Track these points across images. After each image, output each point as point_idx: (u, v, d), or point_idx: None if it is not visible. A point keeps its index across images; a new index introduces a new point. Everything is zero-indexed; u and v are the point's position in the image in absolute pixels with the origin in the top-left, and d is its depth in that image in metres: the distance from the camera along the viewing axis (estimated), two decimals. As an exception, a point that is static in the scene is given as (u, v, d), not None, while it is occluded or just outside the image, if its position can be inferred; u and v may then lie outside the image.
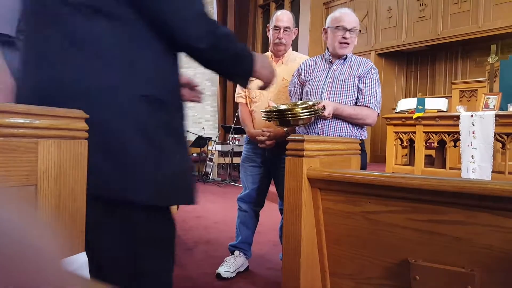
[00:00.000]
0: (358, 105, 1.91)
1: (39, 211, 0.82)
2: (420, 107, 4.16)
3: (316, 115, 1.71)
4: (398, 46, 7.30)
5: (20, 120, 0.82)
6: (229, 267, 2.31)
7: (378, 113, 1.95)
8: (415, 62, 8.06)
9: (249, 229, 2.44)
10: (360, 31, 2.00)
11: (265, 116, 1.74)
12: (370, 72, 1.93)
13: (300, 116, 1.62)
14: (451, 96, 5.39)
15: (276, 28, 2.29)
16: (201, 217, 4.00)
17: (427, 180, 0.91)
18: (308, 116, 1.64)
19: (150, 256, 0.92)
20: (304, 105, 1.71)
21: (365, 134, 1.99)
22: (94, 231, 0.80)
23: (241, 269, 2.40)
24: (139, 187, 0.85)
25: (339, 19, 1.95)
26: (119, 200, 0.85)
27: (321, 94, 1.94)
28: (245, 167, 2.43)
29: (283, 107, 1.76)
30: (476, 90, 4.99)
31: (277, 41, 2.30)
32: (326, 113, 1.74)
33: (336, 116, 1.86)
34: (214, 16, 9.21)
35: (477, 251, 0.87)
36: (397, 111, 4.50)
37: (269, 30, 2.35)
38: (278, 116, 1.67)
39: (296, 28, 2.40)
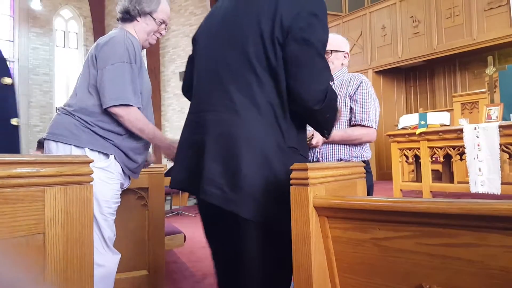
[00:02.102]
0: (352, 125, 1.88)
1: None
2: (422, 122, 4.17)
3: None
4: (395, 63, 7.39)
5: (26, 170, 0.84)
6: (240, 299, 2.26)
7: (375, 128, 1.89)
8: (413, 77, 8.13)
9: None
10: (344, 52, 1.96)
11: None
12: (359, 88, 1.89)
13: None
14: (452, 109, 5.41)
15: None
16: (207, 247, 3.94)
17: (434, 203, 0.90)
18: None
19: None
20: None
21: (367, 154, 1.93)
22: (244, 245, 1.10)
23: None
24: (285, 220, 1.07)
25: None
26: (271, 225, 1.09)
27: None
28: None
29: None
30: (477, 101, 5.01)
31: None
32: (314, 141, 1.74)
33: (330, 142, 1.84)
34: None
35: (492, 273, 0.86)
36: (400, 127, 4.51)
37: None
38: None
39: None
